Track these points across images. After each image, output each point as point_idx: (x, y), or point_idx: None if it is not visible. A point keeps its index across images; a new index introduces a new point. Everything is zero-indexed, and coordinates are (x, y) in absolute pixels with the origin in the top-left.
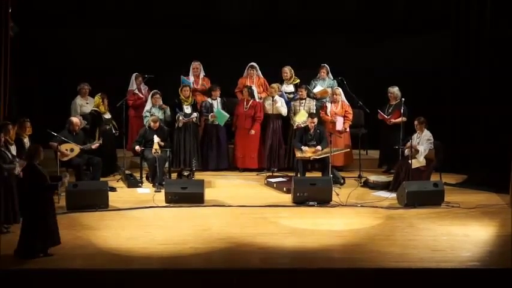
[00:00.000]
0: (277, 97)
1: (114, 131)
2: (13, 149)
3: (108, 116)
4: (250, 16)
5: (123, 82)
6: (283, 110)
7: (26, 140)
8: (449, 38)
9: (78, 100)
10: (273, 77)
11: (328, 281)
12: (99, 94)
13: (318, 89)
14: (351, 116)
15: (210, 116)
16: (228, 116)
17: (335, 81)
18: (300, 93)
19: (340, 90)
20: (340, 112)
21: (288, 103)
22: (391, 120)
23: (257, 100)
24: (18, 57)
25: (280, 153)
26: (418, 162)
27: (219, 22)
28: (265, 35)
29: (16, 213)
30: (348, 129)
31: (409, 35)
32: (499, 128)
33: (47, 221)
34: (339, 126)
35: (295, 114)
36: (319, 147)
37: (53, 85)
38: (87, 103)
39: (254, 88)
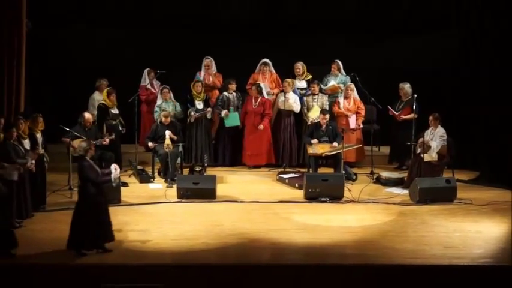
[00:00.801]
0: (291, 93)
1: (120, 128)
2: (27, 143)
3: (115, 111)
4: (250, 16)
5: (122, 82)
6: (296, 107)
7: (39, 135)
8: (450, 38)
9: (96, 95)
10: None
11: (339, 277)
12: (107, 88)
13: (328, 85)
14: (363, 112)
15: (223, 112)
16: (238, 124)
17: (347, 77)
18: (312, 88)
19: (353, 86)
20: (352, 108)
21: (300, 99)
22: (401, 116)
23: (266, 97)
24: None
25: (292, 150)
26: (430, 156)
27: (219, 22)
28: (265, 35)
29: (28, 208)
30: (361, 126)
31: (409, 35)
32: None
33: (99, 215)
34: (352, 124)
35: (308, 109)
36: (335, 144)
37: (54, 84)
38: None
39: (263, 85)
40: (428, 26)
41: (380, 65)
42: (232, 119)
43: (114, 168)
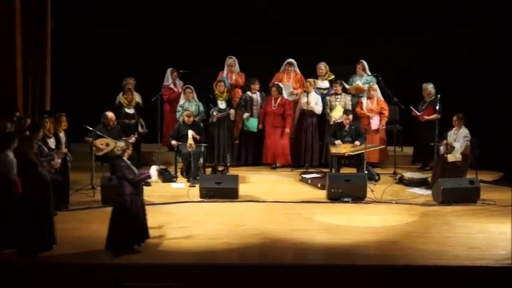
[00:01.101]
0: (313, 94)
1: (140, 129)
2: (52, 142)
3: (130, 110)
4: (250, 16)
5: (146, 81)
6: (317, 109)
7: (62, 135)
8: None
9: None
10: (268, 75)
11: (362, 277)
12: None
13: (353, 85)
14: (387, 113)
15: (245, 114)
16: (255, 130)
17: (372, 77)
18: (335, 88)
19: (376, 86)
20: (375, 108)
21: (323, 98)
22: (424, 117)
23: (285, 97)
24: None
25: (314, 150)
26: (454, 157)
27: (219, 22)
28: (266, 35)
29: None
30: (384, 126)
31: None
32: None
33: (136, 215)
34: (374, 125)
35: (331, 109)
36: (357, 142)
37: (77, 83)
38: None
39: (282, 86)
40: (428, 26)
41: (397, 64)
42: (251, 124)
43: (155, 170)
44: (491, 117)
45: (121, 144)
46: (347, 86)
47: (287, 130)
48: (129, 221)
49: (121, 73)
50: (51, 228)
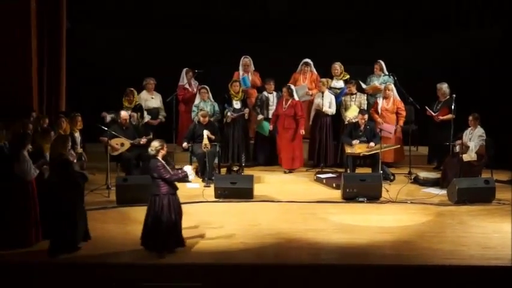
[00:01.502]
0: (327, 94)
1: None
2: None
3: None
4: (250, 16)
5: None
6: (331, 111)
7: (77, 135)
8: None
9: (143, 94)
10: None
11: (377, 277)
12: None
13: (369, 85)
14: (404, 113)
15: (259, 116)
16: (266, 134)
17: (390, 77)
18: (348, 88)
19: (392, 86)
20: (391, 108)
21: (337, 98)
22: (439, 117)
23: (296, 99)
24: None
25: (328, 150)
26: (469, 156)
27: (219, 22)
28: (265, 35)
29: None
30: (401, 125)
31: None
32: None
33: (172, 215)
34: (387, 131)
35: (346, 109)
36: (372, 144)
37: (92, 83)
38: (152, 98)
39: (293, 88)
40: (429, 27)
41: (408, 65)
42: (264, 127)
43: (191, 169)
44: (506, 117)
45: (155, 143)
46: (364, 86)
47: (302, 132)
48: (166, 221)
49: (161, 72)
50: (86, 226)
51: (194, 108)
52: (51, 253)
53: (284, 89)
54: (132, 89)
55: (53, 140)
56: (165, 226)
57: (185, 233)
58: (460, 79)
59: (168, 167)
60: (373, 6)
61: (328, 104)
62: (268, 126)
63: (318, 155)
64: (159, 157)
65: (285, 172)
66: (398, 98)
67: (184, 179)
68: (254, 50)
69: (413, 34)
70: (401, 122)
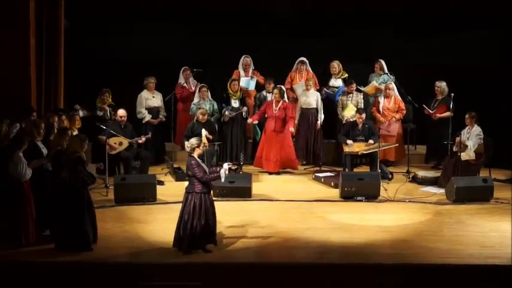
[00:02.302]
0: (312, 91)
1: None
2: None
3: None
4: (251, 14)
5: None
6: (314, 103)
7: (76, 133)
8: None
9: (144, 93)
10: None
11: (375, 276)
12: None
13: (367, 86)
14: (404, 111)
15: (249, 120)
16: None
17: (390, 76)
18: (351, 88)
19: (393, 85)
20: (393, 107)
21: (335, 97)
22: (436, 115)
23: (287, 101)
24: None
25: (316, 148)
26: (468, 155)
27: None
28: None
29: None
30: (396, 119)
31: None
32: None
33: (206, 214)
34: (393, 131)
35: (343, 108)
36: (371, 141)
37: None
38: (153, 97)
39: (284, 88)
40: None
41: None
42: (259, 132)
43: (228, 168)
44: (504, 116)
45: (192, 141)
46: (363, 89)
47: (292, 129)
48: (199, 219)
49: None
50: (95, 225)
51: (193, 106)
52: (57, 246)
53: (275, 91)
54: (108, 89)
55: (70, 138)
56: (195, 225)
57: None
58: (459, 78)
59: (203, 166)
60: (372, 4)
61: (314, 99)
62: (258, 133)
63: (307, 154)
64: (195, 155)
65: (269, 173)
66: (399, 96)
67: (217, 179)
68: (253, 49)
69: (412, 32)
70: (397, 116)
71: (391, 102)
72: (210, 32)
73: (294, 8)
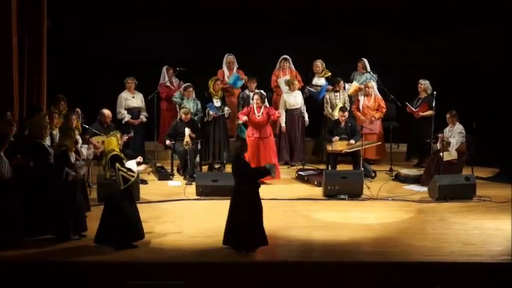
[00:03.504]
0: (296, 92)
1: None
2: (47, 140)
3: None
4: (238, 14)
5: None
6: (299, 104)
7: (55, 132)
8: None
9: (124, 94)
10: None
11: (358, 274)
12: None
13: (350, 89)
14: (384, 110)
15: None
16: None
17: (373, 75)
18: (337, 87)
19: (372, 83)
20: (373, 105)
21: (318, 96)
22: (419, 113)
23: (268, 105)
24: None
25: (298, 147)
26: (449, 155)
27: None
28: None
29: None
30: (377, 118)
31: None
32: None
33: (257, 213)
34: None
35: (332, 108)
36: (352, 141)
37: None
38: (132, 97)
39: (265, 94)
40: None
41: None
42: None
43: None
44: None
45: (237, 143)
46: (347, 88)
47: (283, 127)
48: (245, 218)
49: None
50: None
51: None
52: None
53: (256, 96)
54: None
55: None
56: (243, 223)
57: (168, 231)
58: (442, 77)
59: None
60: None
61: (300, 101)
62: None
63: (291, 153)
64: (242, 155)
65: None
66: (379, 95)
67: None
68: (239, 48)
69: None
70: (377, 116)
71: (371, 101)
72: (209, 31)
73: (290, 8)
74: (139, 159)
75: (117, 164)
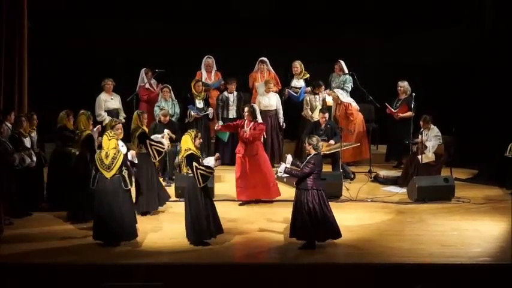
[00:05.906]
0: (272, 94)
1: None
2: (27, 142)
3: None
4: (215, 15)
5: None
6: (274, 106)
7: (34, 134)
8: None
9: (103, 95)
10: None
11: (337, 276)
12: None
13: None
14: (352, 113)
15: (216, 125)
16: (225, 140)
17: (349, 77)
18: (317, 89)
19: (335, 92)
20: (343, 113)
21: (298, 97)
22: (398, 114)
23: (260, 121)
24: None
25: (275, 148)
26: (427, 157)
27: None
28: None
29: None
30: (353, 131)
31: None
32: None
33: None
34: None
35: (312, 110)
36: (332, 141)
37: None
38: (111, 98)
39: (256, 107)
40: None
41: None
42: (223, 134)
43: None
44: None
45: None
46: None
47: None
48: (313, 214)
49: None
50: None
51: (156, 108)
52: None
53: (246, 109)
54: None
55: None
56: (308, 219)
57: (145, 233)
58: (424, 78)
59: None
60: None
61: (275, 103)
62: (227, 135)
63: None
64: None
65: (240, 204)
66: (348, 98)
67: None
68: (218, 48)
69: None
70: (351, 128)
71: (340, 109)
72: (188, 31)
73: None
74: (217, 155)
75: (195, 164)
